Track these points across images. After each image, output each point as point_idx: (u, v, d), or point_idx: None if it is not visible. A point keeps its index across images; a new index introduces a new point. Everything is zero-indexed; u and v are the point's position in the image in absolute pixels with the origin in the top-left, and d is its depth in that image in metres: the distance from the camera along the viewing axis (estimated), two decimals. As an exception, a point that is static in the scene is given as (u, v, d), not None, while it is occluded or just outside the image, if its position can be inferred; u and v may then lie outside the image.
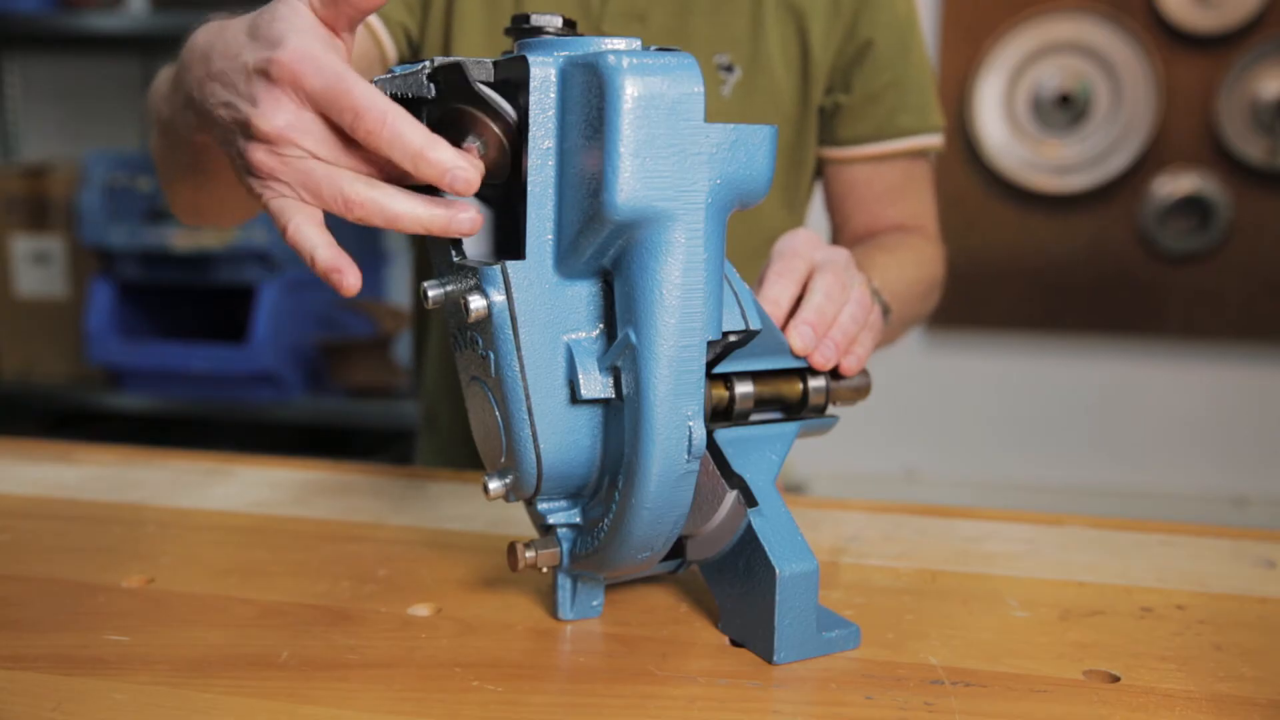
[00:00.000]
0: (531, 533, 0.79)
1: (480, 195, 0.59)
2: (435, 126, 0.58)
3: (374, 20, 0.94)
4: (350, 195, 0.54)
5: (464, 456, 1.11)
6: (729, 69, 0.98)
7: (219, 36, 0.59)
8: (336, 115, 0.53)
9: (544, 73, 0.54)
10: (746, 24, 0.98)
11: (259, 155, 0.55)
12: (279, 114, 0.54)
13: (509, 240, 0.58)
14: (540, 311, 0.56)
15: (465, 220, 0.54)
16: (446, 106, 0.57)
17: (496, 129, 0.55)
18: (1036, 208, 2.42)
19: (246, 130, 0.55)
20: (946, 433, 2.57)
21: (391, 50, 0.96)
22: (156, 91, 0.79)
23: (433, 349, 1.13)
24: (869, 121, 1.02)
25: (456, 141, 0.56)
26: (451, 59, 0.56)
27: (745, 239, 0.96)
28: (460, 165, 0.52)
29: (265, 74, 0.54)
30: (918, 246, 1.02)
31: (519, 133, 0.55)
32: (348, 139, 0.54)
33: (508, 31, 0.57)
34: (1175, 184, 2.36)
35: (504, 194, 0.58)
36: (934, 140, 1.05)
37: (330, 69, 0.53)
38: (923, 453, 2.57)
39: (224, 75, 0.57)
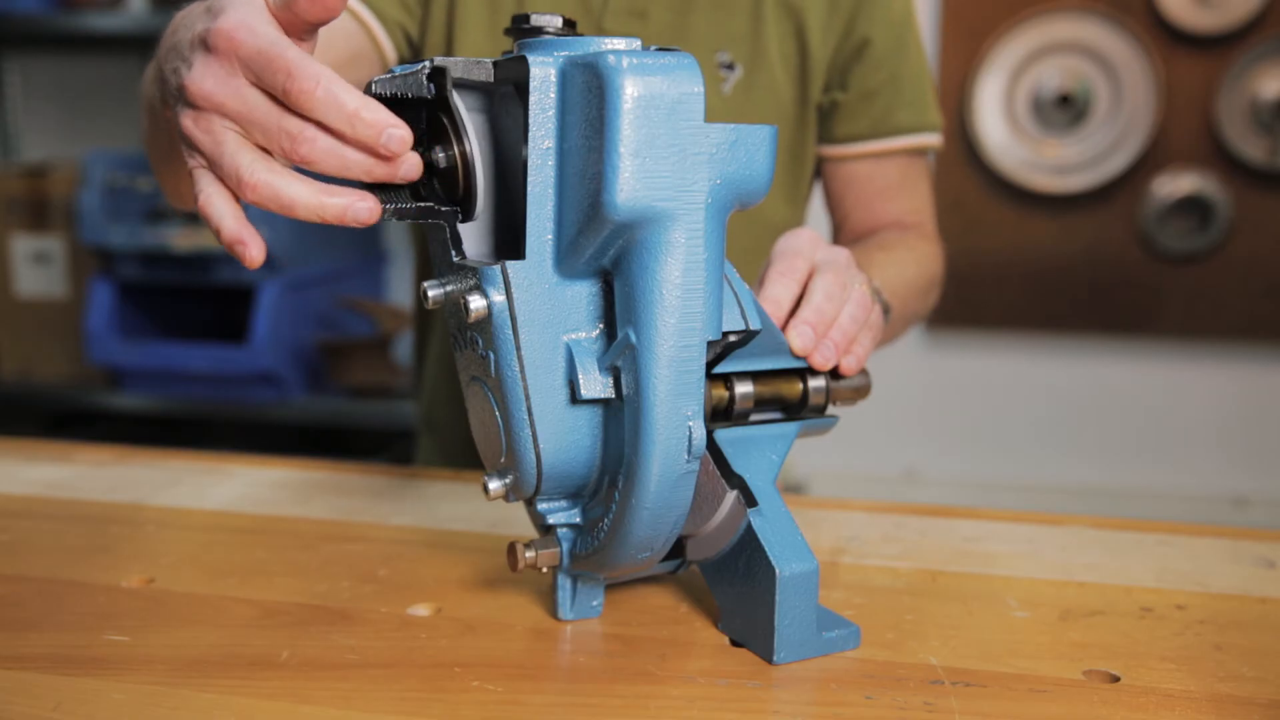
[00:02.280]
0: (531, 533, 0.79)
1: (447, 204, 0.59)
2: (427, 130, 0.59)
3: (371, 20, 0.94)
4: (245, 175, 0.53)
5: (464, 458, 1.11)
6: (730, 67, 0.98)
7: (187, 14, 0.61)
8: (270, 79, 0.53)
9: (544, 73, 0.54)
10: (746, 22, 0.98)
11: (186, 121, 0.56)
12: (207, 77, 0.54)
13: (509, 240, 0.58)
14: (540, 311, 0.56)
15: (363, 209, 0.53)
16: (434, 114, 0.58)
17: (455, 149, 0.56)
18: (1036, 208, 2.42)
19: (181, 95, 0.56)
20: (946, 433, 2.57)
21: (390, 51, 0.96)
22: (145, 78, 0.81)
23: (434, 350, 1.13)
24: (865, 119, 1.02)
25: (431, 147, 0.57)
26: (446, 61, 0.55)
27: (747, 235, 0.96)
28: (395, 124, 0.52)
29: (205, 42, 0.55)
30: (916, 245, 1.02)
31: (477, 158, 0.56)
32: (280, 115, 0.54)
33: (508, 32, 0.58)
34: (1175, 184, 2.36)
35: (459, 214, 0.58)
36: (931, 139, 1.05)
37: (264, 35, 0.53)
38: (923, 453, 2.57)
39: (178, 45, 0.59)
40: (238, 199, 0.56)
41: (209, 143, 0.55)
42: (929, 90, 1.05)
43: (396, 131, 0.52)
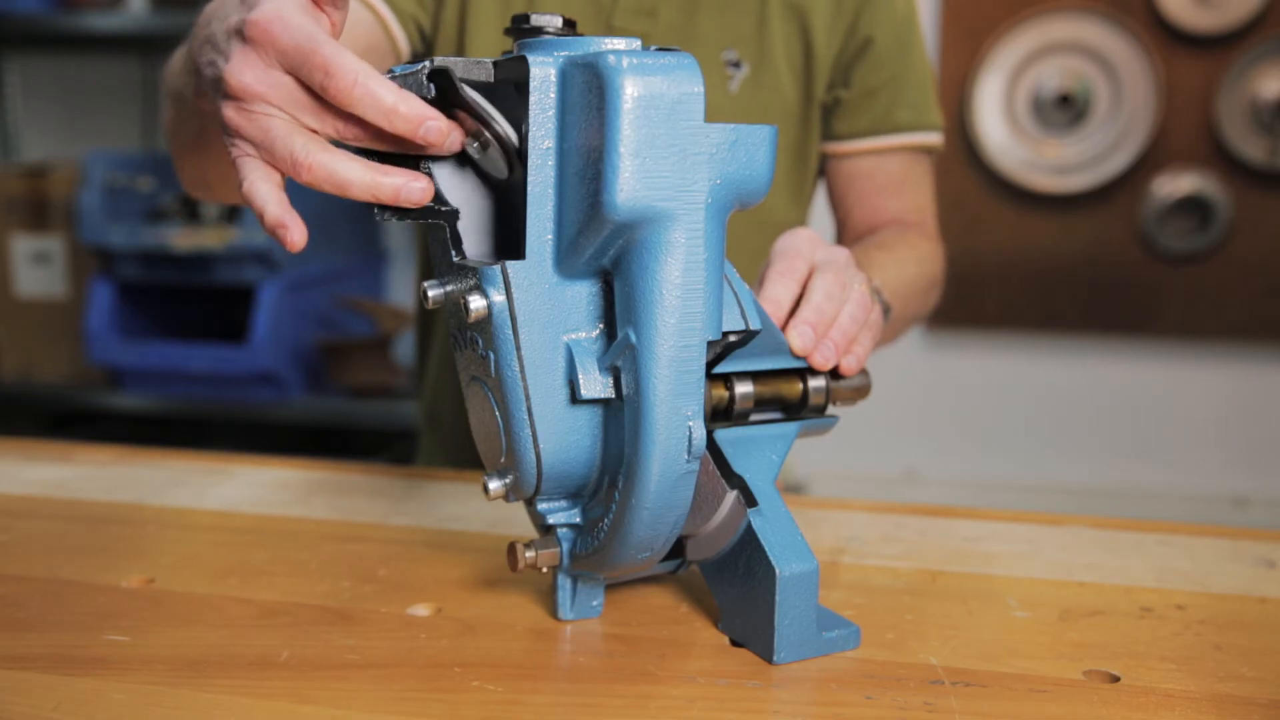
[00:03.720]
0: (531, 533, 0.79)
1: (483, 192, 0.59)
2: None
3: (385, 12, 0.95)
4: (300, 157, 0.54)
5: (466, 455, 1.12)
6: (736, 65, 0.99)
7: (221, 5, 0.62)
8: (307, 75, 0.54)
9: (544, 73, 0.54)
10: (752, 21, 0.99)
11: (229, 111, 0.56)
12: (247, 70, 0.55)
13: (509, 240, 0.58)
14: (540, 311, 0.56)
15: (417, 189, 0.54)
16: (446, 110, 0.57)
17: (488, 133, 0.56)
18: (1036, 208, 2.42)
19: (220, 87, 0.57)
20: (946, 433, 2.57)
21: (404, 43, 0.97)
22: (171, 68, 0.82)
23: (437, 348, 1.14)
24: (866, 116, 1.03)
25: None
26: (446, 61, 0.55)
27: (752, 234, 0.97)
28: (433, 117, 0.53)
29: (241, 34, 0.55)
30: (917, 244, 1.03)
31: (511, 133, 0.55)
32: (323, 101, 0.55)
33: (508, 31, 0.58)
34: (1175, 184, 2.36)
35: (505, 193, 0.58)
36: (931, 138, 1.06)
37: (300, 29, 0.54)
38: (923, 453, 2.57)
39: (212, 37, 0.59)
40: (283, 184, 0.57)
41: (256, 130, 0.55)
42: (931, 90, 1.05)
43: (434, 123, 0.53)
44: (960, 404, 2.56)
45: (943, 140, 1.07)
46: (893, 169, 1.05)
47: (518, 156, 0.56)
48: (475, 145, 0.56)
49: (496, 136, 0.55)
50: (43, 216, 2.43)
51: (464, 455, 1.12)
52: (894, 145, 1.04)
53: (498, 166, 0.57)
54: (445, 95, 0.57)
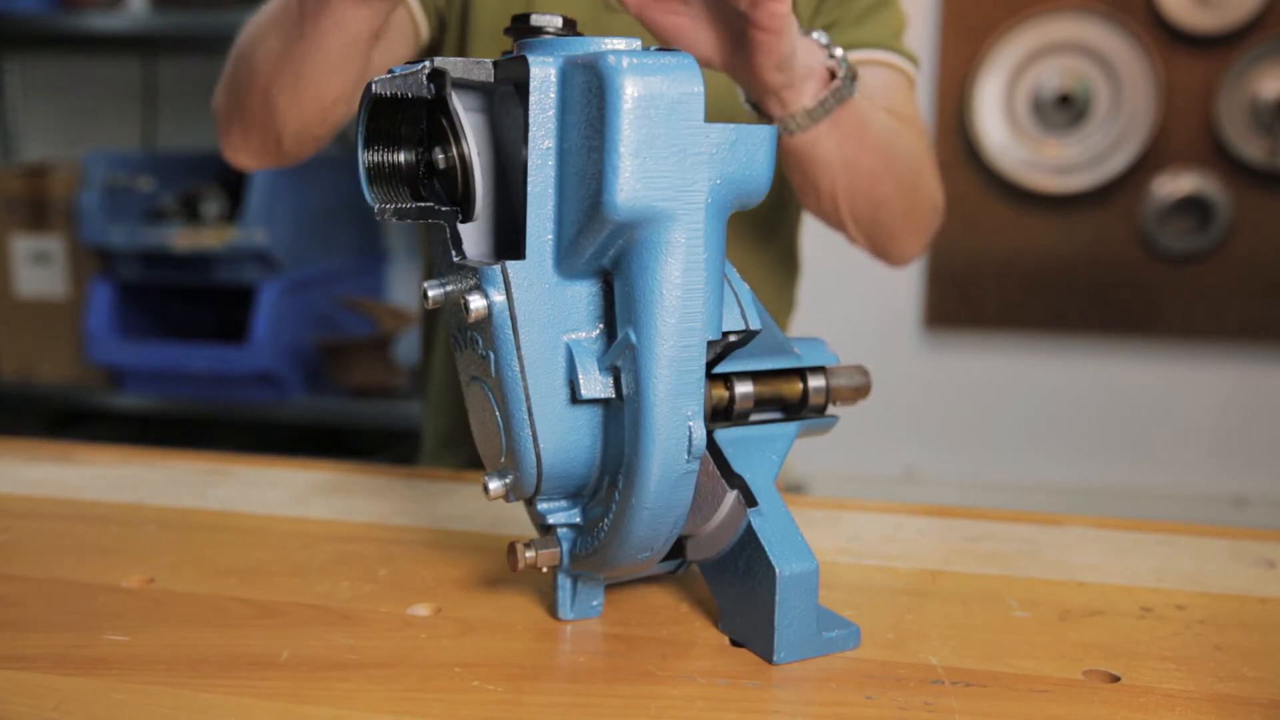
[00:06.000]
0: (531, 533, 0.79)
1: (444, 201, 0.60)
2: (427, 130, 0.59)
3: (411, 0, 0.98)
4: None
5: (469, 448, 1.12)
6: None
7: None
8: None
9: (544, 73, 0.54)
10: None
11: None
12: None
13: (509, 240, 0.58)
14: (540, 311, 0.56)
15: None
16: (434, 114, 0.58)
17: (454, 150, 0.56)
18: (1036, 208, 2.42)
19: None
20: (946, 432, 2.57)
21: (424, 28, 1.00)
22: (247, 40, 0.90)
23: (441, 340, 1.15)
24: (836, 39, 0.99)
25: (431, 147, 0.58)
26: (445, 62, 0.56)
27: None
28: None
29: None
30: (907, 130, 0.99)
31: (475, 162, 0.56)
32: None
33: (507, 31, 0.58)
34: (1175, 184, 2.36)
35: (459, 214, 0.58)
36: (904, 63, 1.04)
37: None
38: (922, 453, 2.57)
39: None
40: None
41: None
42: (901, 32, 1.05)
43: None
44: (960, 404, 2.56)
45: (916, 71, 1.04)
46: (871, 82, 1.00)
47: (467, 186, 0.56)
48: (441, 158, 0.57)
49: (461, 157, 0.56)
50: (43, 216, 2.43)
51: (467, 444, 1.12)
52: (865, 59, 1.01)
53: (451, 188, 0.57)
54: (440, 99, 0.57)
